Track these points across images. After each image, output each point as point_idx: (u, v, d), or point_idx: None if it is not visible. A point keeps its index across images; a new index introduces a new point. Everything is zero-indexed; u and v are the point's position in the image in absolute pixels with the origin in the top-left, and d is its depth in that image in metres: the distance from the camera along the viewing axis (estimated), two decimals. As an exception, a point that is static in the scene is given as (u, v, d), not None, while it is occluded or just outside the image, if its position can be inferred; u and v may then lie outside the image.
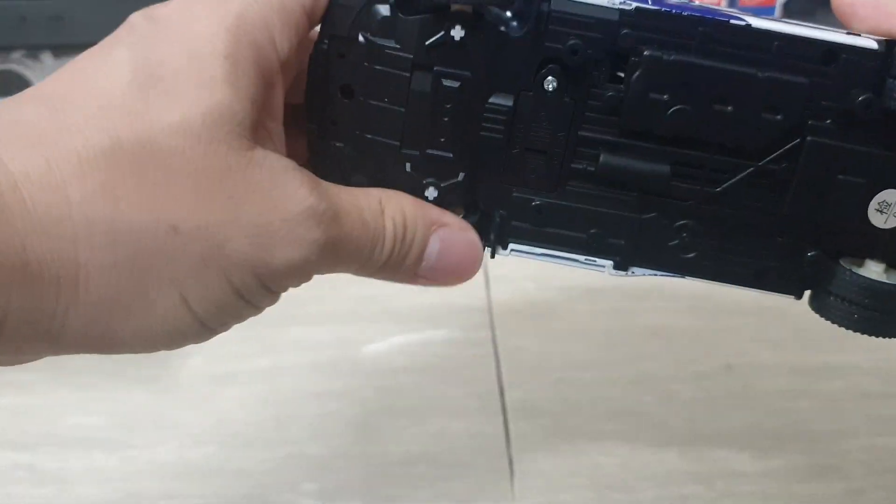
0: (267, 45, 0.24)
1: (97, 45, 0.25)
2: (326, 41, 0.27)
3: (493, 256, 0.30)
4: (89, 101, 0.22)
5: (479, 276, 0.42)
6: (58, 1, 0.69)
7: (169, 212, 0.22)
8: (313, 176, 0.25)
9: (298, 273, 0.25)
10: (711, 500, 0.44)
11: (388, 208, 0.27)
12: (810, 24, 0.28)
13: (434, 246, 0.27)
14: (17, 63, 0.76)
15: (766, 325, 0.53)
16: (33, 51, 0.75)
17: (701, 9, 0.27)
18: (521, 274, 0.56)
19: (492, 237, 0.30)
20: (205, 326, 0.24)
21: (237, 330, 0.56)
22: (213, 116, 0.22)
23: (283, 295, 0.29)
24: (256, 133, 0.24)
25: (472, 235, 0.28)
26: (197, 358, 0.40)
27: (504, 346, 0.52)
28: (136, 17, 0.25)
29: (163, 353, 0.27)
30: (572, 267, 0.30)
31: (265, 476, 0.45)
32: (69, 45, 0.75)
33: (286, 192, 0.23)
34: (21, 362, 0.23)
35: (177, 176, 0.22)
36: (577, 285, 0.55)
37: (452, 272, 0.28)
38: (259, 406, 0.49)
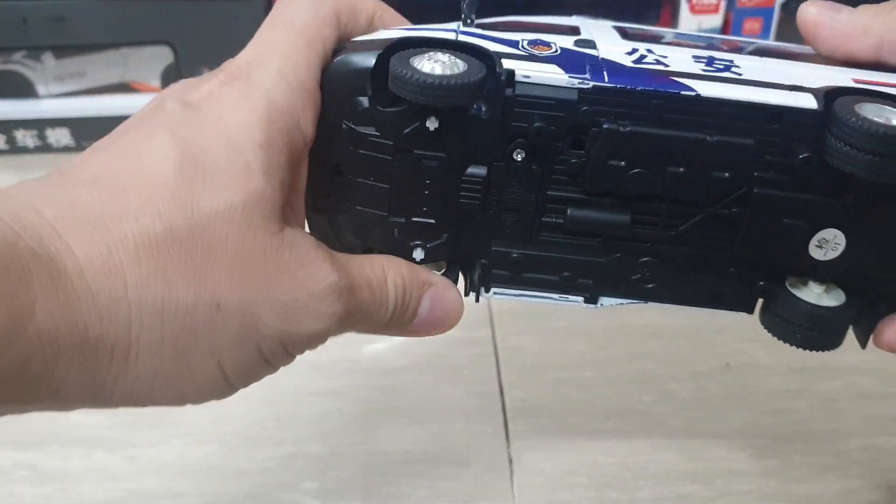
0: (294, 129, 0.27)
1: (134, 122, 0.26)
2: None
3: (477, 300, 0.34)
4: (141, 187, 0.24)
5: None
6: (59, 2, 0.69)
7: (212, 291, 0.24)
8: (330, 251, 0.28)
9: (318, 340, 0.28)
10: (709, 499, 0.44)
11: (389, 275, 0.30)
12: (759, 83, 0.30)
13: (425, 304, 0.31)
14: (18, 63, 0.76)
15: (765, 325, 0.53)
16: (34, 51, 0.76)
17: (655, 81, 0.29)
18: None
19: (476, 282, 0.34)
20: (232, 387, 0.27)
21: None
22: (251, 204, 0.25)
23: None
24: (284, 212, 0.27)
25: (455, 293, 0.32)
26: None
27: (504, 345, 0.52)
28: (170, 103, 0.26)
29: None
30: (549, 303, 0.34)
31: (266, 475, 0.45)
32: (70, 46, 0.75)
33: (311, 270, 0.27)
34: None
35: (219, 258, 0.24)
36: (576, 285, 0.55)
37: (439, 324, 0.32)
38: (260, 405, 0.49)
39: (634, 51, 0.32)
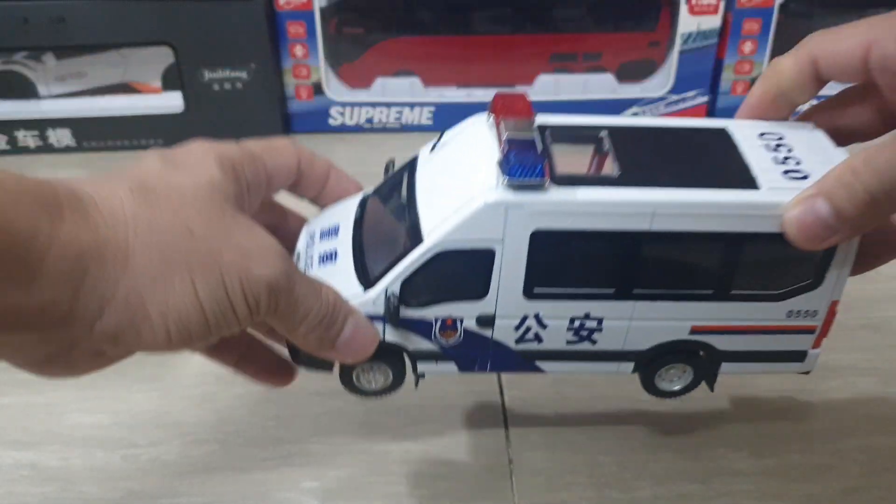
0: (238, 169, 0.36)
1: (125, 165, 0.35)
2: None
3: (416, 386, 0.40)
4: (133, 172, 0.33)
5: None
6: (60, 2, 0.69)
7: (185, 221, 0.31)
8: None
9: (267, 287, 0.32)
10: (709, 498, 0.44)
11: (324, 285, 0.35)
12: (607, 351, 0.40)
13: (349, 328, 0.36)
14: (19, 64, 0.76)
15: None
16: (35, 52, 0.76)
17: (521, 365, 0.39)
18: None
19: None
20: (203, 317, 0.31)
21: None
22: (214, 183, 0.34)
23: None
24: (238, 203, 0.35)
25: (372, 329, 0.37)
26: (198, 357, 0.40)
27: (504, 345, 0.52)
28: (150, 152, 0.35)
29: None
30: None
31: (267, 474, 0.45)
32: (71, 47, 0.75)
33: (262, 235, 0.33)
34: (76, 370, 0.33)
35: (191, 205, 0.32)
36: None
37: (358, 351, 0.37)
38: (260, 404, 0.49)
39: (524, 321, 0.37)
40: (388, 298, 0.36)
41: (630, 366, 0.40)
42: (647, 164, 0.36)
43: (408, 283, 0.36)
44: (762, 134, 0.38)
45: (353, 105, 0.78)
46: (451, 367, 0.39)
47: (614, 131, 0.38)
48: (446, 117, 0.78)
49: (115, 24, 0.71)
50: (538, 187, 0.34)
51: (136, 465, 0.46)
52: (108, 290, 0.29)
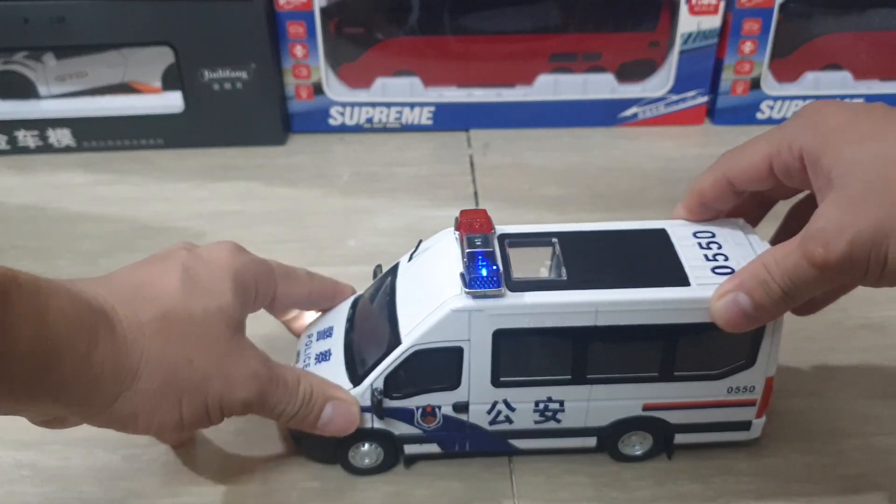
0: (249, 288, 0.43)
1: (158, 255, 0.42)
2: None
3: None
4: (158, 287, 0.39)
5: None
6: (60, 2, 0.69)
7: (189, 352, 0.39)
8: (265, 354, 0.42)
9: (245, 408, 0.41)
10: (709, 498, 0.44)
11: (302, 382, 0.42)
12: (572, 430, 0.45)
13: (328, 411, 0.42)
14: (19, 64, 0.76)
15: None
16: (36, 52, 0.76)
17: (493, 443, 0.45)
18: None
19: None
20: (182, 427, 0.39)
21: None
22: (222, 310, 0.40)
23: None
24: (239, 325, 0.42)
25: (355, 408, 0.43)
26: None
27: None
28: (181, 247, 0.43)
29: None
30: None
31: (267, 474, 0.45)
32: (71, 47, 0.75)
33: (247, 360, 0.41)
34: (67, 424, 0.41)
35: (197, 335, 0.39)
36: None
37: (338, 429, 0.43)
38: (260, 405, 0.49)
39: (494, 406, 0.43)
40: (373, 393, 0.42)
41: (593, 440, 0.45)
42: (591, 267, 0.42)
43: (390, 378, 0.42)
44: (696, 233, 0.44)
45: (353, 105, 0.78)
46: (433, 447, 0.45)
47: (563, 237, 0.44)
48: (446, 117, 0.78)
49: (115, 24, 0.71)
50: (495, 294, 0.40)
51: (137, 465, 0.46)
52: (115, 397, 0.37)
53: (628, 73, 0.78)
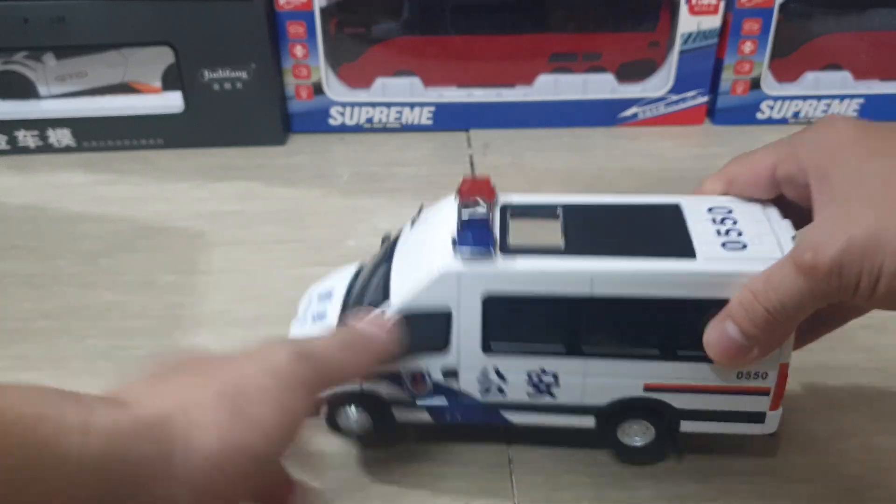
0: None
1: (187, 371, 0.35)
2: None
3: None
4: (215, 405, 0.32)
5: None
6: (60, 2, 0.69)
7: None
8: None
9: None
10: (709, 498, 0.44)
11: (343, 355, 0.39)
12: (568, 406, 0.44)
13: (365, 328, 0.40)
14: (19, 64, 0.76)
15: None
16: (36, 52, 0.76)
17: (487, 416, 0.44)
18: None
19: None
20: None
21: (240, 328, 0.56)
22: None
23: (288, 293, 0.43)
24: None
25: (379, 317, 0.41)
26: (199, 357, 0.40)
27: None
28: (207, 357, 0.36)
29: (164, 351, 0.37)
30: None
31: (266, 474, 0.45)
32: (71, 47, 0.75)
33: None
34: None
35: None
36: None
37: (376, 332, 0.40)
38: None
39: (485, 373, 0.42)
40: None
41: (591, 419, 0.43)
42: (592, 236, 0.41)
43: None
44: (711, 209, 0.42)
45: (352, 105, 0.78)
46: (424, 416, 0.44)
47: (569, 208, 0.42)
48: (446, 117, 0.78)
49: (115, 24, 0.71)
50: (486, 257, 0.39)
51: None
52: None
53: (628, 73, 0.78)
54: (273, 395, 0.33)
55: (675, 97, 0.78)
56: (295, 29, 0.74)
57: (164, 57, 0.75)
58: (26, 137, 0.75)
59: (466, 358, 0.42)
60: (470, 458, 0.46)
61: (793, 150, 0.39)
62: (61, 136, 0.75)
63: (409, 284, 0.41)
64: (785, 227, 0.40)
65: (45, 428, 0.26)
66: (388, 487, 0.45)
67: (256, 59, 0.73)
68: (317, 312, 0.46)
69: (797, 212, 0.40)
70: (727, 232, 0.40)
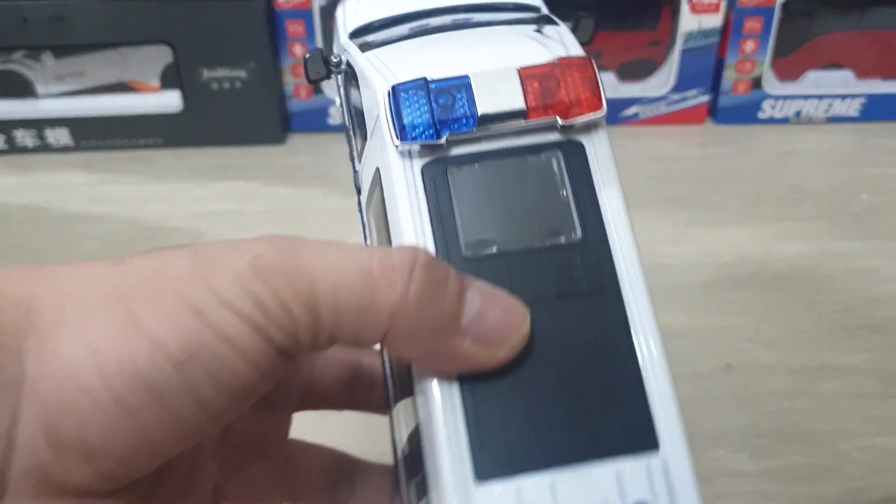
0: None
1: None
2: None
3: None
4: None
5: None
6: (59, 2, 0.69)
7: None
8: None
9: None
10: (710, 499, 0.44)
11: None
12: None
13: (473, 299, 0.24)
14: (17, 63, 0.76)
15: (765, 326, 0.53)
16: (34, 51, 0.76)
17: None
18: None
19: None
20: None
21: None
22: None
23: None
24: None
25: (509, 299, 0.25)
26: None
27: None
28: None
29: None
30: None
31: (265, 475, 0.45)
32: (70, 46, 0.75)
33: None
34: None
35: None
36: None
37: (498, 323, 0.24)
38: (259, 406, 0.49)
39: None
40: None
41: None
42: None
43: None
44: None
45: (352, 104, 0.78)
46: None
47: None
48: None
49: (113, 23, 0.71)
50: None
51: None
52: None
53: (629, 72, 0.78)
54: (201, 312, 0.22)
55: (676, 96, 0.77)
56: (294, 28, 0.73)
57: (162, 56, 0.75)
58: (24, 137, 0.75)
59: None
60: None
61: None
62: (59, 136, 0.75)
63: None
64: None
65: None
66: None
67: (255, 58, 0.72)
68: None
69: None
70: None
